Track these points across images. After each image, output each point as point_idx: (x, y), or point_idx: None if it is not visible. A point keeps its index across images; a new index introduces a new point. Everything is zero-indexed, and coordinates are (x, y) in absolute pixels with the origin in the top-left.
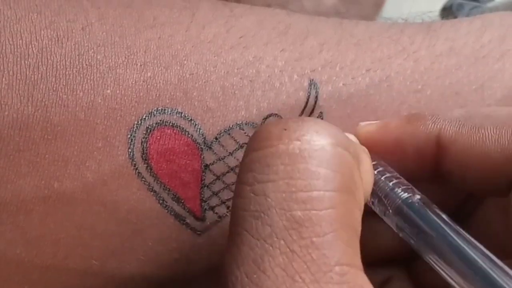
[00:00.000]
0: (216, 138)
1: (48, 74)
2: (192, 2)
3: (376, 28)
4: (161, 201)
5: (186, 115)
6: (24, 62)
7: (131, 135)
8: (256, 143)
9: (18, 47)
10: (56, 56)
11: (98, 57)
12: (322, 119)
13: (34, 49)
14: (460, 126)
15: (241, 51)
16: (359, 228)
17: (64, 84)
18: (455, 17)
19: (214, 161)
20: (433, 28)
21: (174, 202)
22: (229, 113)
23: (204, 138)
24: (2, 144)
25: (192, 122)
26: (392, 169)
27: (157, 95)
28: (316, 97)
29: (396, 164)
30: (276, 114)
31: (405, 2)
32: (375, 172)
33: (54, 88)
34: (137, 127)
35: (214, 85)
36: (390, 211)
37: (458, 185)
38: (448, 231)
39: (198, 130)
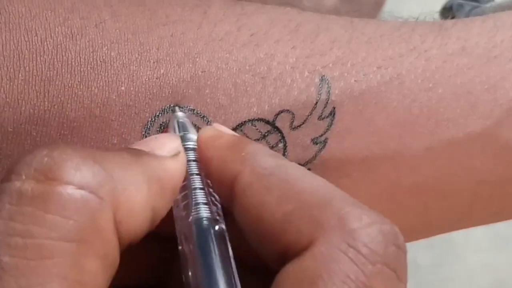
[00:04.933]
0: None
1: (63, 70)
2: (203, 0)
3: (387, 27)
4: None
5: (199, 112)
6: (40, 59)
7: (145, 131)
8: (5, 172)
9: (34, 43)
10: (70, 53)
11: (112, 54)
12: (334, 114)
13: (49, 45)
14: (255, 179)
15: (253, 49)
16: (96, 280)
17: (79, 80)
18: (455, 17)
19: None
20: (445, 27)
21: None
22: (241, 110)
23: None
24: (19, 138)
25: (205, 118)
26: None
27: (170, 92)
28: (329, 92)
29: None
30: (288, 110)
31: (405, 2)
32: (200, 182)
33: (70, 85)
34: (151, 124)
35: (226, 82)
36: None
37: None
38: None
39: None
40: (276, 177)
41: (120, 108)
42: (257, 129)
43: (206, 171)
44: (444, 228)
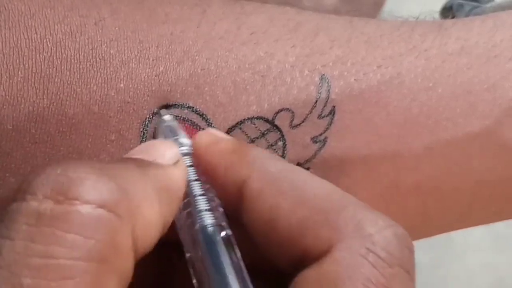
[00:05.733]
0: (228, 132)
1: (62, 68)
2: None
3: (387, 26)
4: None
5: (198, 109)
6: (39, 56)
7: (143, 128)
8: (17, 190)
9: (33, 41)
10: (70, 51)
11: (111, 51)
12: (334, 113)
13: (48, 43)
14: (265, 183)
15: (252, 47)
16: None
17: (78, 77)
18: (454, 17)
19: None
20: (445, 27)
21: None
22: (241, 108)
23: None
24: (19, 136)
25: (204, 116)
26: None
27: (169, 89)
28: (329, 91)
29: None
30: (288, 108)
31: (405, 2)
32: (200, 188)
33: (69, 82)
34: (149, 120)
35: (225, 80)
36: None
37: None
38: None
39: (209, 124)
40: (287, 182)
41: (119, 105)
42: (256, 127)
43: (206, 177)
44: (444, 228)
